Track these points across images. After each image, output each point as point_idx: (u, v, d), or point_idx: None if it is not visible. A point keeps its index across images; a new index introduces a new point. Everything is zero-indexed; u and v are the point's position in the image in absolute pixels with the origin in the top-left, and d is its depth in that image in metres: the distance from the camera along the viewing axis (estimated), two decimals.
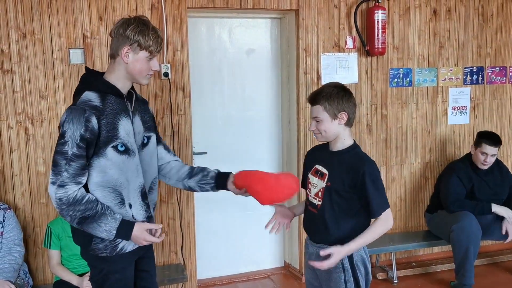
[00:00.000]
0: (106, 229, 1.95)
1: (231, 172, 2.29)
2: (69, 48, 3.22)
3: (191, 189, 2.31)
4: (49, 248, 3.03)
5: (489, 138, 3.76)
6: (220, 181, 2.27)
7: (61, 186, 1.90)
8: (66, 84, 3.24)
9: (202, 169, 2.31)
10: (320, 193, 2.22)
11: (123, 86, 2.04)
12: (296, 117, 3.85)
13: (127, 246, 2.06)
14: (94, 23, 3.24)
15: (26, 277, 3.04)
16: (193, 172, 2.30)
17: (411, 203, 4.28)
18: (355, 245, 2.14)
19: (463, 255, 3.60)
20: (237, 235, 4.04)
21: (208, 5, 3.48)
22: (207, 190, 2.31)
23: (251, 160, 4.01)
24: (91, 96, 1.96)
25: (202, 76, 3.78)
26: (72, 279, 2.97)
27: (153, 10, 3.37)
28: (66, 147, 1.89)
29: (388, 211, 2.17)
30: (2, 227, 2.93)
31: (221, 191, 2.33)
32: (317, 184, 2.25)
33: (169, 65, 3.41)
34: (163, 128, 3.48)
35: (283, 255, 4.23)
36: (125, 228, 1.97)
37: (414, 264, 4.24)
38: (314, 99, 2.19)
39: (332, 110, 2.15)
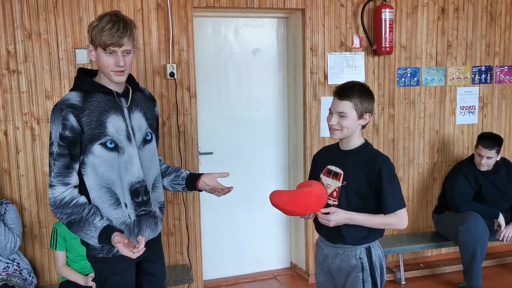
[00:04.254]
0: (91, 235, 1.94)
1: (202, 173, 2.29)
2: (75, 48, 3.21)
3: (164, 188, 2.31)
4: (55, 249, 3.03)
5: (486, 140, 3.72)
6: (191, 181, 2.26)
7: (51, 186, 1.93)
8: (72, 84, 3.22)
9: (176, 170, 2.31)
10: (335, 193, 2.20)
11: (109, 83, 2.02)
12: (303, 117, 3.83)
13: None
14: None
15: (30, 276, 3.04)
16: (167, 171, 2.30)
17: (419, 203, 4.25)
18: (358, 217, 2.12)
19: (470, 256, 3.57)
20: (243, 236, 4.02)
21: (214, 4, 3.46)
22: (178, 191, 2.32)
23: (257, 160, 4.00)
24: (71, 96, 1.97)
25: (208, 76, 3.77)
26: (78, 279, 2.98)
27: (159, 10, 3.36)
28: (53, 147, 1.91)
29: (404, 211, 2.16)
30: (2, 219, 2.94)
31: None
32: (331, 184, 2.23)
33: (174, 65, 3.40)
34: (169, 128, 3.47)
35: (289, 255, 4.21)
36: (105, 237, 1.93)
37: (421, 265, 4.20)
38: (345, 94, 2.14)
39: (361, 109, 2.14)
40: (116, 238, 1.89)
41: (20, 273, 2.95)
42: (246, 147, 3.97)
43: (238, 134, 3.92)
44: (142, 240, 1.86)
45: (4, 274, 2.88)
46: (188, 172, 2.29)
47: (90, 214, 1.94)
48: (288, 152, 4.09)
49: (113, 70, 1.96)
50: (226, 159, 3.88)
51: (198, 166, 3.62)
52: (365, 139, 2.27)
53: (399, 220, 2.14)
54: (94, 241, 1.95)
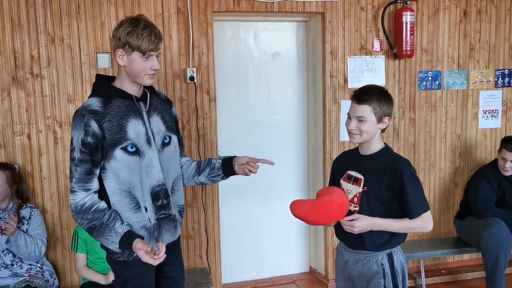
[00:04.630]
0: (112, 241, 1.95)
1: (234, 156, 2.30)
2: (96, 53, 3.25)
3: (203, 183, 2.33)
4: (76, 252, 3.06)
5: (510, 143, 3.66)
6: (227, 167, 2.27)
7: (72, 192, 1.95)
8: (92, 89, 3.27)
9: (208, 162, 2.31)
10: (356, 198, 2.18)
11: (131, 88, 2.04)
12: (322, 121, 3.81)
13: None
14: None
15: (52, 278, 3.08)
16: (200, 168, 2.30)
17: (440, 209, 4.18)
18: (382, 223, 2.11)
19: (493, 263, 3.50)
20: (262, 240, 4.01)
21: (234, 8, 3.47)
22: (218, 181, 2.34)
23: (276, 164, 3.97)
24: (92, 102, 1.99)
25: (227, 79, 3.78)
26: (99, 279, 3.01)
27: (179, 14, 3.38)
28: (74, 153, 1.93)
29: (429, 213, 2.13)
30: (28, 224, 2.98)
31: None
32: (351, 190, 2.21)
33: (194, 69, 3.41)
34: (188, 132, 3.48)
35: (309, 260, 4.18)
36: (126, 242, 1.95)
37: (443, 271, 4.14)
38: (364, 98, 2.12)
39: (380, 113, 2.12)
40: (138, 244, 1.90)
41: (42, 275, 2.99)
42: (265, 151, 3.95)
43: (258, 138, 3.92)
44: (163, 247, 1.88)
45: (27, 275, 2.92)
46: (220, 161, 2.29)
47: (110, 219, 1.95)
48: (307, 156, 4.07)
49: (148, 73, 2.01)
50: None
51: None
52: (385, 143, 2.24)
53: (424, 223, 2.12)
54: (114, 247, 1.96)
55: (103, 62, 3.25)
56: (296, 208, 2.20)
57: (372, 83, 2.27)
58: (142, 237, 1.98)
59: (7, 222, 2.78)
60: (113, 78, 2.11)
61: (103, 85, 2.05)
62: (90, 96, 2.04)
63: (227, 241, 3.83)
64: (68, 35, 3.20)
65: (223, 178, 2.31)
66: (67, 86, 3.24)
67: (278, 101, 3.96)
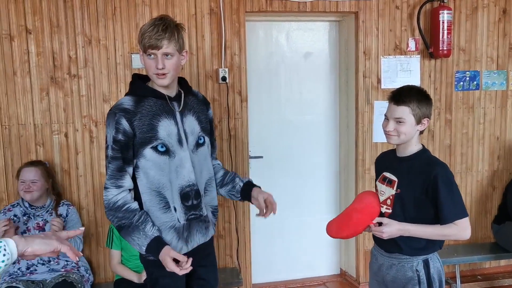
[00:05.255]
0: (138, 243, 1.96)
1: (254, 186, 2.24)
2: (131, 53, 3.31)
3: (221, 195, 2.33)
4: (111, 248, 3.13)
5: None
6: (245, 194, 2.24)
7: (105, 188, 1.98)
8: (128, 89, 3.33)
9: (232, 179, 2.28)
10: (389, 200, 2.14)
11: (162, 88, 2.04)
12: (355, 122, 3.76)
13: None
14: None
15: (87, 273, 3.15)
16: (224, 181, 2.29)
17: (477, 213, 4.06)
18: (412, 228, 2.04)
19: None
20: (293, 241, 3.99)
21: (266, 9, 3.47)
22: (234, 200, 2.37)
23: (307, 165, 3.97)
24: (124, 100, 2.01)
25: (259, 80, 3.78)
26: (132, 276, 3.07)
27: (212, 15, 3.40)
28: (108, 150, 1.97)
29: (465, 220, 2.03)
30: (65, 222, 3.07)
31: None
32: (385, 191, 2.17)
33: (227, 69, 3.43)
34: (220, 132, 3.50)
35: (339, 262, 4.14)
36: (154, 248, 1.95)
37: (479, 277, 4.03)
38: (402, 99, 2.07)
39: (419, 114, 2.07)
40: (170, 252, 1.92)
41: (78, 270, 3.07)
42: (296, 152, 3.94)
43: (289, 138, 3.90)
44: (189, 261, 1.91)
45: (63, 270, 3.00)
46: (242, 185, 2.26)
47: (140, 220, 1.96)
48: (339, 157, 4.03)
49: (154, 72, 1.98)
50: (276, 163, 3.88)
51: (248, 170, 3.64)
52: (422, 145, 2.17)
53: (458, 230, 2.02)
54: (140, 248, 1.97)
55: (137, 62, 3.30)
56: (329, 230, 2.24)
57: (407, 84, 2.22)
58: (169, 244, 2.00)
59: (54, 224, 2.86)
60: (149, 78, 2.13)
61: (137, 85, 2.07)
62: (125, 95, 2.07)
63: (258, 241, 3.83)
64: (104, 36, 3.28)
65: (240, 200, 2.32)
66: (103, 86, 3.31)
67: (309, 102, 3.93)
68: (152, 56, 1.96)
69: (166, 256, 1.91)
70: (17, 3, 3.14)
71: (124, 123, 1.94)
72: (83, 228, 1.42)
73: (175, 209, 2.05)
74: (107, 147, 1.98)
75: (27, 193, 2.96)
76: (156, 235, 1.96)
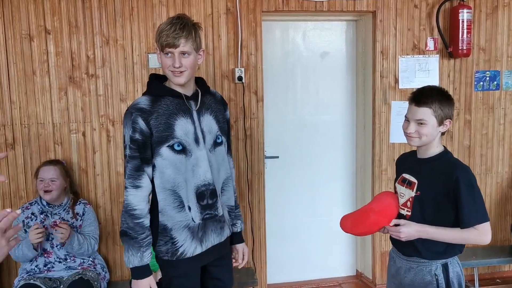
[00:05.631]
0: (130, 259, 2.01)
1: (238, 242, 2.35)
2: (148, 53, 3.33)
3: None
4: None
5: None
6: (231, 240, 2.32)
7: (125, 188, 2.00)
8: (145, 88, 3.32)
9: (233, 219, 2.31)
10: (408, 203, 2.10)
11: (179, 87, 2.05)
12: (372, 122, 3.72)
13: (187, 250, 2.06)
14: None
15: (103, 271, 3.18)
16: (229, 214, 2.29)
17: (497, 215, 3.99)
18: (431, 231, 1.99)
19: None
20: (308, 241, 3.97)
21: (283, 8, 3.46)
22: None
23: (323, 165, 3.94)
24: (140, 100, 2.03)
25: (275, 79, 3.77)
26: None
27: (228, 14, 3.40)
28: (126, 150, 1.99)
29: (486, 225, 1.98)
30: (81, 220, 3.10)
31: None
32: (404, 193, 2.13)
33: (243, 69, 3.43)
34: (236, 132, 3.50)
35: (355, 263, 4.11)
36: (140, 272, 2.03)
37: (498, 280, 3.96)
38: (424, 100, 2.03)
39: (441, 116, 2.02)
40: (150, 280, 2.05)
41: (94, 268, 3.10)
42: (312, 152, 3.92)
43: (305, 138, 3.89)
44: None
45: (80, 268, 3.03)
46: (232, 233, 2.30)
47: (145, 242, 2.00)
48: (356, 158, 4.00)
49: (171, 70, 2.00)
50: (292, 163, 3.86)
51: (264, 170, 3.63)
52: (444, 147, 2.12)
53: (479, 235, 1.97)
54: (128, 263, 2.02)
55: (154, 62, 3.32)
56: (343, 224, 2.22)
57: (426, 84, 2.18)
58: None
59: (56, 231, 2.89)
60: (166, 78, 2.13)
61: (154, 84, 2.09)
62: (142, 95, 2.09)
63: (273, 241, 3.82)
64: (122, 36, 3.30)
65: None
66: (120, 86, 3.34)
67: (326, 102, 3.91)
68: (169, 54, 1.98)
69: (148, 285, 2.03)
70: (37, 4, 3.18)
71: (141, 123, 1.95)
72: (19, 211, 1.33)
73: (189, 208, 2.05)
74: (125, 147, 2.00)
75: (46, 193, 3.00)
76: (148, 263, 2.03)
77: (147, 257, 2.01)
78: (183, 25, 1.97)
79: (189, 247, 2.05)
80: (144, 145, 1.97)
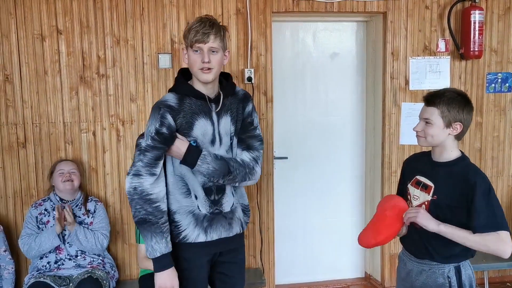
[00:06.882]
0: (154, 246, 2.00)
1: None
2: (158, 53, 3.35)
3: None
4: (138, 243, 3.16)
5: None
6: None
7: (136, 175, 2.00)
8: (155, 88, 3.38)
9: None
10: (424, 206, 2.08)
11: (202, 88, 2.07)
12: (382, 124, 3.71)
13: (190, 236, 2.08)
14: (182, 28, 3.34)
15: (112, 270, 3.20)
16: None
17: (508, 218, 3.94)
18: (446, 229, 1.95)
19: None
20: (317, 242, 3.97)
21: (293, 9, 3.45)
22: None
23: (332, 166, 3.93)
24: (168, 97, 2.07)
25: (284, 80, 3.77)
26: None
27: (238, 15, 3.41)
28: (147, 140, 2.01)
29: (504, 234, 1.90)
30: (92, 217, 3.13)
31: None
32: (419, 196, 2.11)
33: (252, 70, 3.43)
34: None
35: (364, 265, 4.09)
36: (164, 262, 2.02)
37: (508, 284, 3.94)
38: (432, 100, 2.03)
39: (448, 118, 2.00)
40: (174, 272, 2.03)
41: (104, 267, 3.12)
42: (321, 153, 3.91)
43: (314, 139, 3.88)
44: None
45: (89, 266, 3.05)
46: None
47: (164, 227, 2.01)
48: (365, 159, 3.98)
49: (199, 67, 2.01)
50: (301, 164, 3.86)
51: (273, 171, 3.63)
52: (462, 152, 2.09)
53: (499, 242, 1.89)
54: (152, 253, 2.01)
55: (164, 62, 3.34)
56: (363, 240, 2.17)
57: (436, 85, 2.16)
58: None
59: (61, 213, 2.95)
60: (190, 76, 2.14)
61: (182, 83, 2.12)
62: (169, 90, 2.13)
63: (281, 242, 3.82)
64: (132, 36, 3.32)
65: None
66: (130, 86, 3.36)
67: (335, 103, 3.90)
68: (198, 51, 2.01)
69: (170, 279, 2.02)
70: (49, 4, 3.21)
71: (170, 119, 2.01)
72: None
73: (196, 197, 2.09)
74: (145, 137, 2.02)
75: (67, 182, 3.07)
76: (171, 251, 2.03)
77: (170, 243, 2.03)
78: (212, 23, 2.02)
79: (192, 233, 2.08)
80: (168, 139, 2.01)
